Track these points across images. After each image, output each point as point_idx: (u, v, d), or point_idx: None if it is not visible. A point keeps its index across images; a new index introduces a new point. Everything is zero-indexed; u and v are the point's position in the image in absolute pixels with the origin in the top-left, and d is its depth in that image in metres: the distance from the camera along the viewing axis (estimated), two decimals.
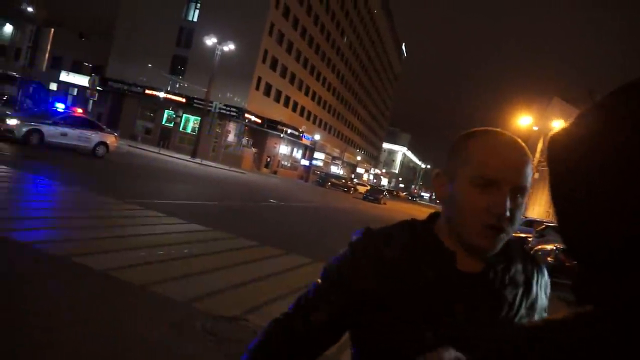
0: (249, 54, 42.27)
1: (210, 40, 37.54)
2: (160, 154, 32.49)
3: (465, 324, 0.90)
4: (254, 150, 48.40)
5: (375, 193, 45.24)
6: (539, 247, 15.19)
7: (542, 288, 1.03)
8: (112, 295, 4.40)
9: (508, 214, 0.89)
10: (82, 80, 47.39)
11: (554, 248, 13.19)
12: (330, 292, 1.01)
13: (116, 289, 4.54)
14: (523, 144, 0.94)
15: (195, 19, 45.18)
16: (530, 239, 18.64)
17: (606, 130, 0.53)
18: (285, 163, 57.62)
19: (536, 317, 1.00)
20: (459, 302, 0.91)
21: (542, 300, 1.02)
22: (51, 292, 4.11)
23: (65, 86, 49.91)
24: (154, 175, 17.83)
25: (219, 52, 37.42)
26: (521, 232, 22.11)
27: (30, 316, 3.58)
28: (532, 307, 0.99)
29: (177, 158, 32.60)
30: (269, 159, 52.57)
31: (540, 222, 23.54)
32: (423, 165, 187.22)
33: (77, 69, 49.53)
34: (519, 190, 0.90)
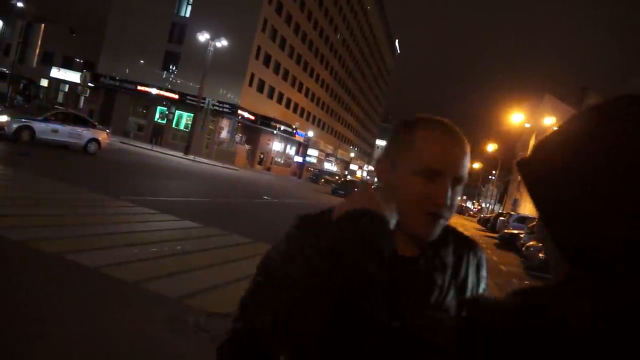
0: (242, 50, 42.10)
1: (202, 36, 37.35)
2: (153, 150, 32.34)
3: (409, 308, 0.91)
4: (247, 147, 48.29)
5: (346, 187, 38.40)
6: (531, 243, 15.32)
7: (472, 267, 1.06)
8: (105, 292, 4.39)
9: (449, 202, 0.93)
10: (74, 76, 47.00)
11: None
12: (271, 289, 0.98)
13: (109, 286, 4.53)
14: (462, 134, 0.97)
15: (187, 15, 44.91)
16: (522, 236, 18.79)
17: (603, 130, 0.53)
18: (279, 160, 57.55)
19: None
20: (398, 286, 0.93)
21: (472, 279, 1.05)
22: (44, 290, 4.09)
23: (57, 82, 49.53)
24: (147, 172, 17.75)
25: (211, 49, 37.25)
26: (514, 229, 22.30)
27: (23, 314, 3.57)
28: (462, 288, 1.02)
29: (170, 155, 32.46)
30: (262, 156, 52.47)
31: (533, 219, 23.73)
32: None
33: (68, 65, 49.14)
34: (458, 180, 0.94)
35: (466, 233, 1.12)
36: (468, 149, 0.96)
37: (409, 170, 0.94)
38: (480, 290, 1.06)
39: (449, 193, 0.92)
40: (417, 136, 0.95)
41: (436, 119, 0.98)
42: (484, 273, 1.08)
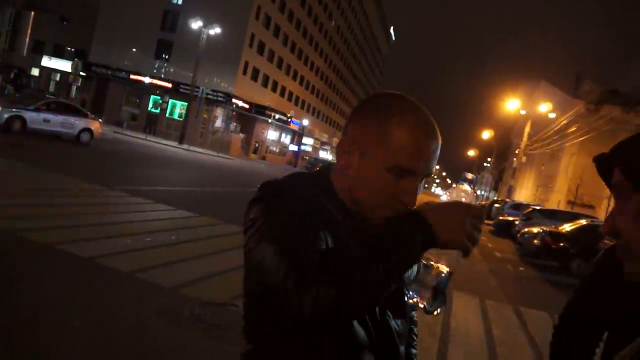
0: (236, 38, 41.71)
1: (195, 24, 36.94)
2: (147, 140, 32.14)
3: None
4: (241, 135, 48.08)
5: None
6: (526, 229, 15.38)
7: None
8: (99, 282, 4.35)
9: (415, 202, 0.93)
10: (65, 65, 46.46)
11: (541, 231, 13.37)
12: (310, 229, 0.86)
13: (103, 276, 4.49)
14: (435, 123, 0.94)
15: (179, 2, 44.37)
16: (517, 222, 18.86)
17: None
18: (274, 149, 57.39)
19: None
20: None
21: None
22: (36, 281, 4.04)
23: (48, 71, 48.94)
24: (141, 161, 17.65)
25: (204, 36, 36.87)
26: (509, 216, 22.38)
27: (14, 305, 3.53)
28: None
29: (164, 144, 32.28)
30: (257, 145, 52.30)
31: (527, 206, 23.82)
32: None
33: (59, 54, 48.48)
34: (426, 177, 0.94)
35: None
36: (440, 140, 0.94)
37: (380, 165, 0.90)
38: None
39: (418, 192, 0.92)
40: (391, 129, 0.90)
41: (409, 106, 0.93)
42: None
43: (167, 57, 44.30)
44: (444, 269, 0.93)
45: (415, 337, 1.19)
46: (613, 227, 0.68)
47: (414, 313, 1.18)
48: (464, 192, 0.95)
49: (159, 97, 41.98)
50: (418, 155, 0.89)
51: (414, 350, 1.17)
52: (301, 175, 1.02)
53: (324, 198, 0.94)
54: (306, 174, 1.03)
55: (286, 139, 59.84)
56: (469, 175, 1.02)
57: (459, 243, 0.84)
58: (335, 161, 1.02)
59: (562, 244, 12.25)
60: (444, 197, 0.96)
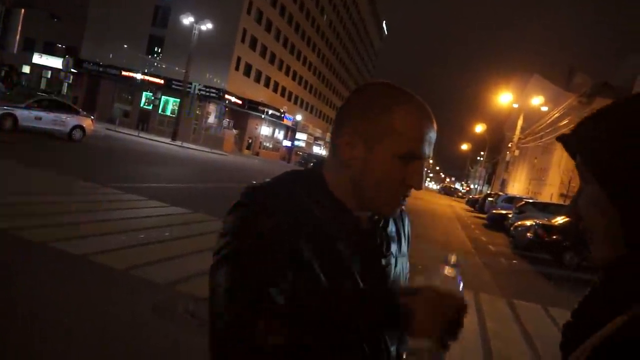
0: (228, 33, 41.47)
1: (187, 20, 36.68)
2: (140, 137, 31.96)
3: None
4: (235, 131, 47.92)
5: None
6: (519, 223, 15.48)
7: (406, 230, 1.12)
8: (93, 280, 4.34)
9: (424, 184, 0.96)
10: (56, 62, 45.90)
11: (534, 224, 13.44)
12: (276, 271, 0.83)
13: (96, 273, 4.48)
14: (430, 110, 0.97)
15: None
16: (510, 216, 18.97)
17: None
18: (267, 144, 57.26)
19: (404, 260, 1.07)
20: (367, 268, 0.94)
21: (406, 243, 1.11)
22: (30, 279, 4.03)
23: (39, 68, 48.47)
24: (134, 158, 17.56)
25: (196, 32, 36.63)
26: (502, 209, 22.50)
27: (9, 303, 3.51)
28: (403, 254, 1.07)
29: (157, 141, 32.11)
30: (250, 141, 52.15)
31: (520, 199, 23.95)
32: None
33: (50, 51, 47.98)
34: (427, 160, 0.96)
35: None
36: (436, 124, 0.97)
37: (388, 154, 0.91)
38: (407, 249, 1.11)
39: (424, 174, 0.95)
40: (397, 117, 0.91)
41: (404, 93, 0.95)
42: (409, 233, 1.15)
43: (159, 52, 43.98)
44: (438, 345, 0.90)
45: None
46: (575, 212, 0.67)
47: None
48: (445, 277, 0.90)
49: (151, 94, 41.70)
50: (424, 141, 0.92)
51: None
52: (292, 176, 0.98)
53: (315, 201, 0.92)
54: (297, 174, 0.99)
55: (279, 134, 59.71)
56: (453, 258, 0.94)
57: (432, 336, 0.83)
58: (328, 156, 1.00)
59: (555, 237, 12.33)
60: (431, 276, 0.92)
